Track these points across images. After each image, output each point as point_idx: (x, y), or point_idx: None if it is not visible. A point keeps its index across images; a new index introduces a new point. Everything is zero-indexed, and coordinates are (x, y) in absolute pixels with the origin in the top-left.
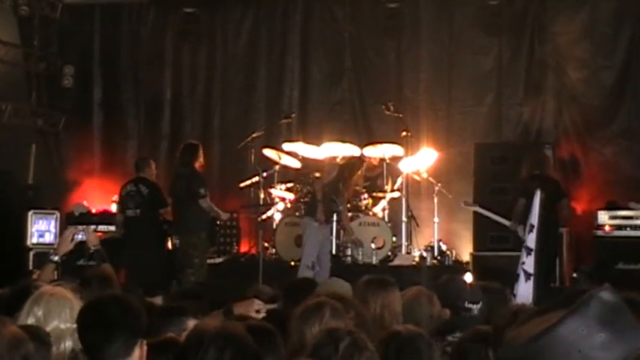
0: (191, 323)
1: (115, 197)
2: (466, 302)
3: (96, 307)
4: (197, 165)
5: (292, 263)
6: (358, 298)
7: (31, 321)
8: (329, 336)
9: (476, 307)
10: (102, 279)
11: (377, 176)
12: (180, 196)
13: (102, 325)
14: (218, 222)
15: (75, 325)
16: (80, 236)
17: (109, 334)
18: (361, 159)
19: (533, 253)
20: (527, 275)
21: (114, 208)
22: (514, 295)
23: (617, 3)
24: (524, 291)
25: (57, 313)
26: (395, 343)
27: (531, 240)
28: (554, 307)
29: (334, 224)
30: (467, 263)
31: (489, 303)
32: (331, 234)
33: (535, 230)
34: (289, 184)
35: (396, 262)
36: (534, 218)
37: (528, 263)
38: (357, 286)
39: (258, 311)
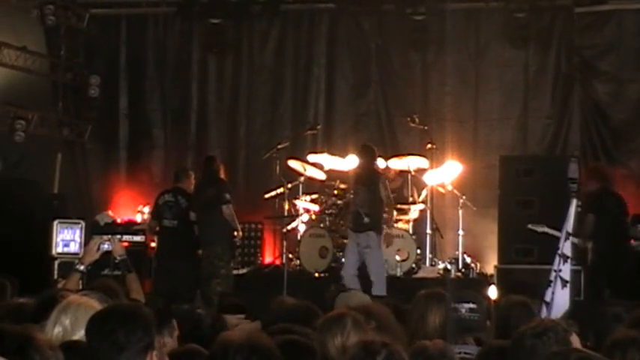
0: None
1: (140, 207)
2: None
3: (102, 320)
4: (222, 175)
5: (316, 275)
6: (417, 312)
7: (57, 330)
8: (364, 349)
9: (465, 307)
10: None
11: (400, 188)
12: (207, 205)
13: (108, 339)
14: (235, 234)
15: None
16: (106, 246)
17: (115, 348)
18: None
19: (569, 261)
20: (564, 282)
21: (139, 218)
22: (546, 303)
23: None
24: (561, 298)
25: (84, 323)
26: (422, 357)
27: (567, 247)
28: None
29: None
30: (491, 276)
31: (514, 316)
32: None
33: (571, 238)
34: (314, 196)
35: (420, 274)
36: (570, 226)
37: (565, 270)
38: (416, 300)
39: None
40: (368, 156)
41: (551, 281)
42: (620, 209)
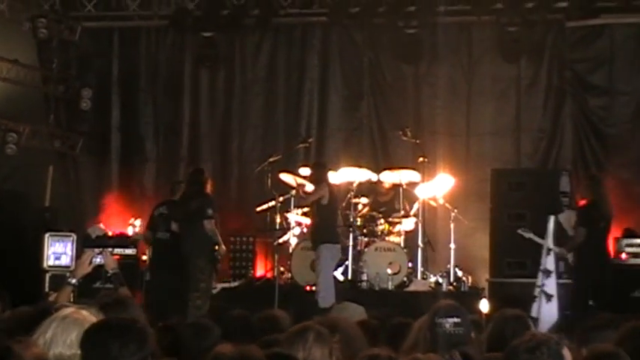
0: None
1: (132, 220)
2: (437, 317)
3: (93, 334)
4: (208, 189)
5: (308, 288)
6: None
7: (41, 342)
8: None
9: (450, 322)
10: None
11: (390, 201)
12: (189, 218)
13: (102, 352)
14: (217, 248)
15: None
16: (98, 259)
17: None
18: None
19: (552, 275)
20: (548, 297)
21: (130, 230)
22: (533, 319)
23: (634, 30)
24: (547, 312)
25: (66, 336)
26: None
27: (550, 262)
28: None
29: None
30: (483, 289)
31: (509, 330)
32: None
33: (552, 252)
34: (305, 209)
35: (412, 287)
36: (550, 242)
37: (549, 285)
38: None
39: None
40: (314, 170)
41: (535, 297)
42: (607, 223)
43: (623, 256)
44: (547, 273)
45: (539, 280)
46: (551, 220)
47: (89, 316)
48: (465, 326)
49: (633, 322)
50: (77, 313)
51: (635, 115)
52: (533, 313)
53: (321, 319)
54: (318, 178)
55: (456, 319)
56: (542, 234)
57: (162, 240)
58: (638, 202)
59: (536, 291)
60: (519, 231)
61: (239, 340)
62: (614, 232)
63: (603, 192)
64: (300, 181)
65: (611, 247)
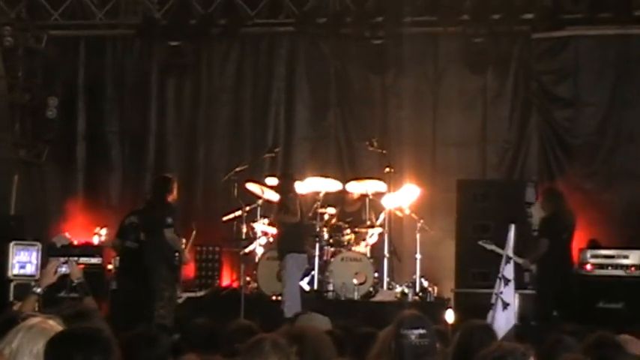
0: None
1: (98, 229)
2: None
3: (57, 344)
4: (170, 198)
5: (274, 298)
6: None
7: (7, 351)
8: None
9: (415, 333)
10: (82, 314)
11: (358, 211)
12: (151, 227)
13: None
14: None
15: None
16: (64, 269)
17: None
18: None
19: (511, 284)
20: (505, 304)
21: (96, 240)
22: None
23: (600, 42)
24: (502, 320)
25: (32, 345)
26: None
27: (509, 271)
28: None
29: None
30: (448, 300)
31: (476, 340)
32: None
33: (512, 261)
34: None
35: (378, 297)
36: (510, 250)
37: (507, 293)
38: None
39: None
40: (281, 180)
41: (492, 304)
42: (569, 234)
43: (588, 267)
44: (506, 281)
45: (496, 288)
46: (512, 228)
47: (56, 326)
48: (430, 337)
49: (599, 332)
50: (44, 323)
51: (600, 126)
52: (488, 320)
53: (289, 329)
54: (285, 189)
55: (421, 331)
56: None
57: (131, 249)
58: (603, 213)
59: (493, 298)
60: (481, 243)
61: (203, 349)
62: (579, 243)
63: (563, 203)
64: (268, 194)
65: (575, 258)
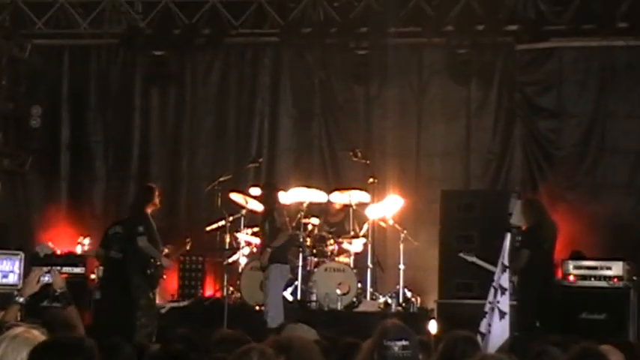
0: None
1: (81, 239)
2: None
3: (41, 353)
4: (149, 207)
5: (257, 308)
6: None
7: None
8: None
9: (398, 344)
10: (65, 323)
11: (341, 222)
12: (128, 237)
13: None
14: (157, 262)
15: None
16: (46, 278)
17: None
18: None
19: (507, 293)
20: (502, 314)
21: (79, 249)
22: (482, 334)
23: (584, 54)
24: (498, 329)
25: (16, 355)
26: None
27: (505, 279)
28: None
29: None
30: (432, 310)
31: (459, 351)
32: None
33: (507, 270)
34: (255, 229)
35: (361, 308)
36: (505, 258)
37: (503, 302)
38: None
39: None
40: (264, 190)
41: (485, 313)
42: (551, 245)
43: (571, 278)
44: (502, 290)
45: (491, 297)
46: (508, 236)
47: (39, 336)
48: (412, 348)
49: (583, 343)
50: (28, 333)
51: (584, 137)
52: (482, 329)
53: (276, 339)
54: (268, 199)
55: (404, 342)
56: (490, 255)
57: (114, 259)
58: (587, 224)
59: (487, 307)
60: (462, 254)
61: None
62: (562, 253)
63: (543, 214)
64: (251, 204)
65: (558, 268)
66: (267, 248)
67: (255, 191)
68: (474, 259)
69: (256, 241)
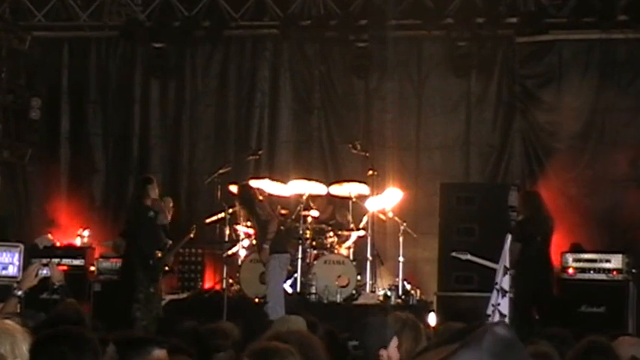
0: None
1: (80, 231)
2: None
3: (47, 344)
4: (148, 200)
5: (256, 300)
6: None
7: None
8: None
9: (350, 345)
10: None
11: (332, 215)
12: (129, 230)
13: None
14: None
15: None
16: (45, 272)
17: None
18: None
19: (507, 295)
20: (502, 316)
21: (79, 241)
22: None
23: (583, 46)
24: None
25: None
26: None
27: (506, 282)
28: (449, 341)
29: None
30: (431, 303)
31: None
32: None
33: (509, 272)
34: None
35: (361, 300)
36: (507, 260)
37: (503, 304)
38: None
39: None
40: (240, 191)
41: (489, 315)
42: (545, 237)
43: (570, 271)
44: (503, 292)
45: (493, 299)
46: (509, 238)
47: (16, 326)
48: (365, 347)
49: (589, 337)
50: (3, 324)
51: (584, 130)
52: None
53: (274, 334)
54: (245, 200)
55: (355, 342)
56: (490, 249)
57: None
58: (586, 217)
59: (490, 309)
60: (454, 254)
61: (184, 352)
62: (562, 246)
63: (538, 207)
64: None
65: (557, 261)
66: (263, 245)
67: (255, 183)
68: (467, 256)
69: None
